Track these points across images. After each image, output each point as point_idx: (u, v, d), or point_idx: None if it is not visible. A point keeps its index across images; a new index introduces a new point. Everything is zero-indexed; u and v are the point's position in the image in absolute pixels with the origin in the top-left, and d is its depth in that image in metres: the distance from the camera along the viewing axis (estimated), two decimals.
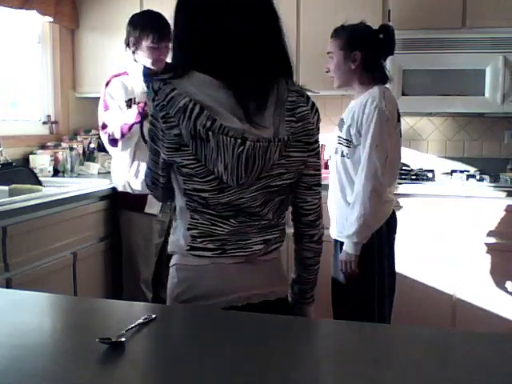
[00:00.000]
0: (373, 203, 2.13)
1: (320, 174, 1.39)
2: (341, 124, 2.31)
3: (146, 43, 2.69)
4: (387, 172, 2.16)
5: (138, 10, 3.25)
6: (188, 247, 1.31)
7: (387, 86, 2.26)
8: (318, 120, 1.33)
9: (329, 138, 3.87)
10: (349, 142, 2.24)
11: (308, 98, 1.31)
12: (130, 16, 2.78)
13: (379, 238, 2.24)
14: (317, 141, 1.34)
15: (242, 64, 1.21)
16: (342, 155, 2.30)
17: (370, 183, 2.13)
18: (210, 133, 1.19)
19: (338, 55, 2.27)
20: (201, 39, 1.23)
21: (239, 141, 1.19)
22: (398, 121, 2.22)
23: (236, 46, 1.22)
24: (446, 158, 3.70)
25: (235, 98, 1.20)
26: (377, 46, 2.23)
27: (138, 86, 2.74)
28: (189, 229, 1.30)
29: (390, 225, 2.28)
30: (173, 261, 1.36)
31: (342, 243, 2.32)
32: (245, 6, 1.24)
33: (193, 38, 1.23)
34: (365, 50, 2.22)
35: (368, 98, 2.16)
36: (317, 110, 1.32)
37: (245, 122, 1.20)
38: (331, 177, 2.44)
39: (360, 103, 2.19)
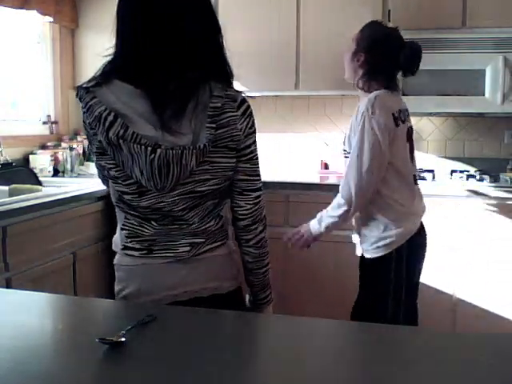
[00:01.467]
0: (355, 204, 2.06)
1: (255, 180, 1.36)
2: (345, 136, 2.20)
3: None
4: (397, 182, 2.09)
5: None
6: (122, 246, 1.37)
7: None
8: (250, 125, 1.31)
9: (329, 137, 3.89)
10: (348, 153, 2.14)
11: (242, 102, 1.29)
12: None
13: (398, 257, 2.11)
14: (249, 146, 1.32)
15: (160, 72, 1.22)
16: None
17: (349, 194, 2.07)
18: (122, 141, 1.21)
19: (352, 47, 2.17)
20: (122, 47, 1.26)
21: (149, 148, 1.21)
22: (397, 126, 2.06)
23: (154, 55, 1.23)
24: (445, 158, 3.70)
25: (151, 106, 1.22)
26: (390, 59, 2.09)
27: None
28: (122, 229, 1.37)
29: (413, 245, 2.13)
30: (114, 259, 1.42)
31: (363, 257, 2.25)
32: (168, 10, 1.22)
33: (116, 47, 1.27)
34: (372, 56, 2.11)
35: (360, 107, 2.07)
36: (249, 115, 1.30)
37: (159, 130, 1.22)
38: None
39: (355, 112, 2.10)
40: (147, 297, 1.35)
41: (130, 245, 1.35)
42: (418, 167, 2.28)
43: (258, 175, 1.38)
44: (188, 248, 1.34)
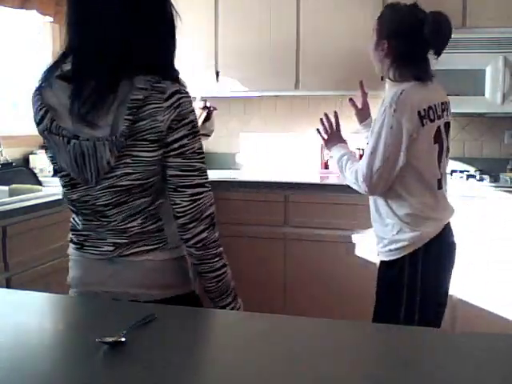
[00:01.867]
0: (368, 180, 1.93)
1: (190, 175, 1.28)
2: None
3: None
4: (417, 184, 1.96)
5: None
6: (69, 239, 1.43)
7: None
8: (180, 118, 1.25)
9: None
10: None
11: (172, 94, 1.23)
12: None
13: (412, 262, 1.98)
14: (178, 140, 1.25)
15: (82, 67, 1.26)
16: None
17: (364, 181, 1.94)
18: (47, 132, 1.27)
19: (372, 40, 2.03)
20: (65, 44, 1.30)
21: (66, 139, 1.26)
22: (423, 125, 1.91)
23: (78, 49, 1.27)
24: None
25: (71, 100, 1.25)
26: (415, 38, 1.92)
27: None
28: (70, 222, 1.42)
29: (432, 251, 1.98)
30: None
31: (382, 262, 2.11)
32: (103, 10, 1.24)
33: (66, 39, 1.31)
34: (396, 41, 1.95)
35: (385, 100, 1.94)
36: (177, 107, 1.24)
37: (78, 123, 1.25)
38: None
39: (380, 105, 1.97)
40: (76, 288, 1.40)
41: (71, 237, 1.41)
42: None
43: (196, 170, 1.28)
44: (111, 248, 1.33)
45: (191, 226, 1.29)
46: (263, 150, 4.02)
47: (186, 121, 1.26)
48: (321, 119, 2.21)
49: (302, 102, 3.91)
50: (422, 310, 2.00)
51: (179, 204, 1.29)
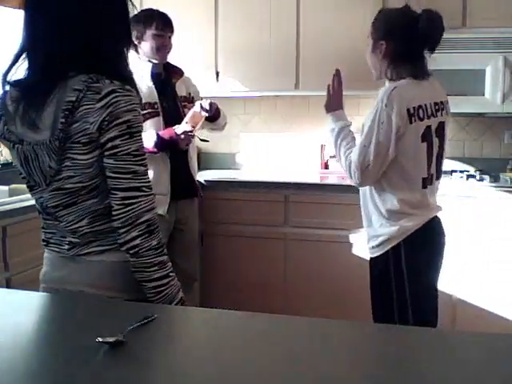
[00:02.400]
0: (354, 168, 1.99)
1: (122, 178, 1.23)
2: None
3: (150, 31, 2.71)
4: (401, 181, 1.99)
5: (137, 11, 3.25)
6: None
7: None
8: (111, 118, 1.20)
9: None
10: None
11: (107, 94, 1.19)
12: (133, 15, 2.78)
13: (395, 256, 2.02)
14: (110, 140, 1.21)
15: (28, 68, 1.28)
16: None
17: (354, 173, 2.00)
18: (2, 138, 1.31)
19: (369, 43, 2.08)
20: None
21: (11, 144, 1.29)
22: (411, 123, 1.94)
23: (24, 48, 1.31)
24: (446, 158, 3.70)
25: (16, 104, 1.26)
26: (410, 35, 1.97)
27: (144, 85, 2.72)
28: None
29: (414, 244, 2.01)
30: None
31: (370, 259, 2.15)
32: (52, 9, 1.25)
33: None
34: (392, 41, 2.00)
35: (379, 95, 1.98)
36: (110, 106, 1.19)
37: (22, 125, 1.26)
38: None
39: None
40: (44, 284, 1.42)
41: (42, 235, 1.44)
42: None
43: (130, 173, 1.23)
44: (68, 246, 1.35)
45: (123, 230, 1.25)
46: (263, 149, 4.02)
47: (119, 121, 1.21)
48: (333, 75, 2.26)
49: (302, 102, 3.90)
50: (413, 304, 2.03)
51: (113, 207, 1.26)
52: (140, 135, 1.26)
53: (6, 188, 2.72)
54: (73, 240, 1.34)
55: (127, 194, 1.24)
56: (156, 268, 1.27)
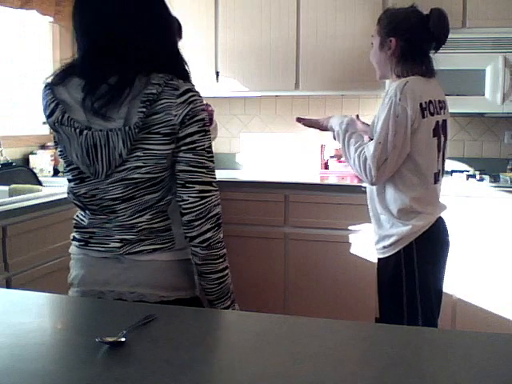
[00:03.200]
0: (370, 167, 1.93)
1: (199, 172, 1.29)
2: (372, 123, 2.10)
3: None
4: (414, 177, 1.98)
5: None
6: (72, 237, 1.44)
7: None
8: (192, 114, 1.27)
9: (329, 137, 3.88)
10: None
11: (185, 92, 1.27)
12: None
13: (407, 256, 2.00)
14: (190, 135, 1.27)
15: (98, 63, 1.28)
16: None
17: (370, 172, 1.94)
18: (58, 124, 1.29)
19: (376, 41, 2.08)
20: (77, 40, 1.34)
21: (78, 130, 1.26)
22: (423, 117, 1.95)
23: (93, 45, 1.30)
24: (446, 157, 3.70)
25: (85, 94, 1.26)
26: (419, 33, 2.00)
27: None
28: (73, 219, 1.44)
29: (428, 245, 2.01)
30: None
31: (379, 259, 2.13)
32: (119, 10, 1.28)
33: (76, 40, 1.35)
34: (402, 37, 2.01)
35: (387, 90, 1.98)
36: (190, 103, 1.26)
37: (91, 114, 1.26)
38: None
39: (383, 97, 1.99)
40: (78, 287, 1.39)
41: (74, 235, 1.42)
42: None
43: (205, 168, 1.30)
44: (119, 244, 1.33)
45: (197, 223, 1.29)
46: (263, 150, 4.02)
47: (198, 117, 1.28)
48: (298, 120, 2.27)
49: (302, 102, 3.91)
50: (423, 304, 2.02)
51: (186, 200, 1.29)
52: (209, 134, 1.33)
53: (6, 188, 2.72)
54: (126, 237, 1.33)
55: (203, 188, 1.29)
56: (221, 260, 1.34)
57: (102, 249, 1.35)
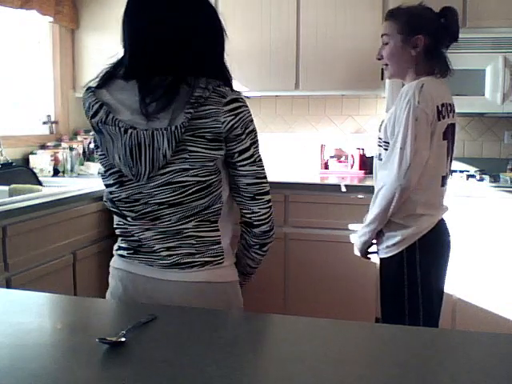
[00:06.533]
0: (395, 202, 1.93)
1: (263, 183, 1.36)
2: (382, 123, 2.05)
3: None
4: (426, 180, 1.96)
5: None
6: (117, 247, 1.41)
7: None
8: (241, 125, 1.27)
9: (329, 137, 3.89)
10: (387, 144, 1.97)
11: (232, 101, 1.26)
12: None
13: (410, 256, 2.00)
14: (247, 149, 1.30)
15: (149, 66, 1.27)
16: (380, 159, 2.03)
17: (391, 190, 1.92)
18: (102, 124, 1.27)
19: (396, 39, 1.98)
20: (124, 45, 1.32)
21: (122, 129, 1.25)
22: (439, 119, 1.93)
23: (145, 50, 1.28)
24: None
25: (139, 98, 1.25)
26: (439, 30, 1.97)
27: None
28: (115, 228, 1.40)
29: (430, 246, 2.01)
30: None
31: (381, 259, 2.12)
32: (173, 13, 1.27)
33: (123, 44, 1.33)
34: (427, 34, 1.95)
35: (403, 92, 1.93)
36: (238, 114, 1.26)
37: (137, 115, 1.25)
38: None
39: (398, 98, 1.95)
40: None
41: (121, 244, 1.39)
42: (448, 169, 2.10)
43: (265, 178, 1.37)
44: (165, 253, 1.31)
45: (272, 232, 1.38)
46: (263, 149, 4.01)
47: (249, 129, 1.30)
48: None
49: (302, 102, 3.91)
50: (425, 305, 2.02)
51: (258, 212, 1.34)
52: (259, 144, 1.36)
53: (6, 188, 2.72)
54: (171, 244, 1.30)
55: (268, 198, 1.37)
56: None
57: (151, 259, 1.33)
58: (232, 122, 1.25)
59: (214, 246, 1.33)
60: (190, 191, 1.27)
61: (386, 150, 1.97)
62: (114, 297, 1.39)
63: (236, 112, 1.26)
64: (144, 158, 1.24)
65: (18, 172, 3.07)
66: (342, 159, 3.80)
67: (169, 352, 0.99)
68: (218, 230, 1.33)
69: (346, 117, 3.87)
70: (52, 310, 1.31)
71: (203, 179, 1.27)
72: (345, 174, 3.67)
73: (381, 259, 2.13)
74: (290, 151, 3.97)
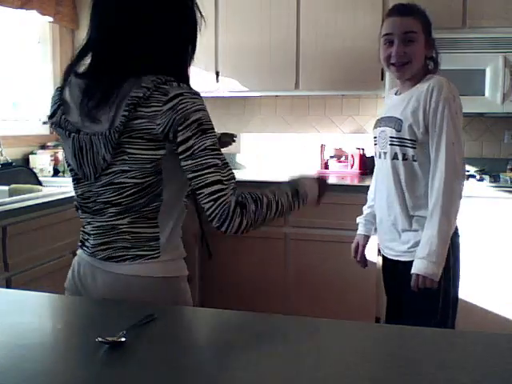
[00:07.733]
0: (455, 212, 1.86)
1: (204, 174, 1.21)
2: (396, 123, 1.94)
3: None
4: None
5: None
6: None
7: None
8: (182, 120, 1.20)
9: (329, 137, 3.89)
10: (414, 142, 1.91)
11: (174, 97, 1.20)
12: None
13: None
14: (182, 142, 1.20)
15: (94, 64, 1.29)
16: (405, 158, 1.94)
17: (453, 187, 1.86)
18: (55, 126, 1.32)
19: (421, 37, 1.96)
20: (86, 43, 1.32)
21: (67, 133, 1.28)
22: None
23: (94, 47, 1.29)
24: None
25: (81, 96, 1.27)
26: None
27: None
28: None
29: (453, 246, 1.94)
30: None
31: (395, 262, 2.03)
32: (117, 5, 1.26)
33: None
34: (431, 32, 2.01)
35: (433, 88, 1.88)
36: (179, 111, 1.19)
37: (83, 117, 1.27)
38: (381, 186, 2.08)
39: (423, 94, 1.90)
40: (74, 295, 1.39)
41: (80, 236, 1.43)
42: None
43: (212, 167, 1.21)
44: (102, 246, 1.33)
45: (224, 228, 1.22)
46: (263, 150, 4.02)
47: (189, 121, 1.20)
48: None
49: (302, 102, 3.91)
50: (454, 306, 1.96)
51: (203, 207, 1.23)
52: (213, 132, 1.24)
53: (6, 188, 2.72)
54: (108, 240, 1.31)
55: (212, 189, 1.21)
56: (265, 215, 1.28)
57: (90, 251, 1.36)
58: (169, 121, 1.20)
59: (151, 242, 1.30)
60: (128, 192, 1.27)
61: (414, 147, 1.91)
62: (69, 279, 1.43)
63: (176, 108, 1.20)
64: (87, 161, 1.28)
65: (18, 172, 3.07)
66: (342, 159, 3.80)
67: (169, 352, 0.99)
68: (156, 227, 1.30)
69: (346, 117, 3.87)
70: (52, 310, 1.31)
71: (141, 181, 1.25)
72: (345, 174, 3.67)
73: (401, 262, 2.01)
74: (290, 151, 3.97)
